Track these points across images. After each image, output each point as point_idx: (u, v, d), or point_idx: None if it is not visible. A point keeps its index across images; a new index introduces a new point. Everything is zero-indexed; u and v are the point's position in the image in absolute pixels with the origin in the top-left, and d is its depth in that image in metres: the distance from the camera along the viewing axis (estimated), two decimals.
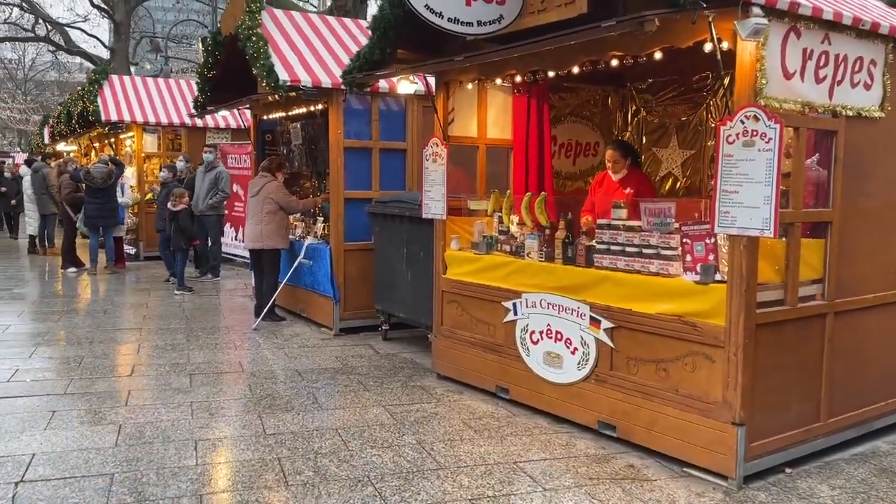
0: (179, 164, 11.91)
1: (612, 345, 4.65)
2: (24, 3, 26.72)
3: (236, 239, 13.38)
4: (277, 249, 8.51)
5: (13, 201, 17.69)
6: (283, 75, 7.40)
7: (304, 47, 8.08)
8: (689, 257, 4.25)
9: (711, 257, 4.13)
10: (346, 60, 7.95)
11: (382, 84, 7.76)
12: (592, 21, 4.20)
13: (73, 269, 12.27)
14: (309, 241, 8.36)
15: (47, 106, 30.97)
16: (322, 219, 9.03)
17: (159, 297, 10.09)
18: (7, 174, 18.22)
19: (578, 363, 4.86)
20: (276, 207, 8.41)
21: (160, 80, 15.70)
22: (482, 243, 5.81)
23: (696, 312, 4.15)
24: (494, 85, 6.35)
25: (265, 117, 9.82)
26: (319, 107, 8.42)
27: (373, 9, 17.55)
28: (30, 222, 14.94)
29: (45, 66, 49.86)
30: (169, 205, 10.11)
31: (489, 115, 6.41)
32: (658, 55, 4.48)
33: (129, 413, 5.09)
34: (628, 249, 4.61)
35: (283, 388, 5.79)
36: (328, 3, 17.11)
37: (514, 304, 5.37)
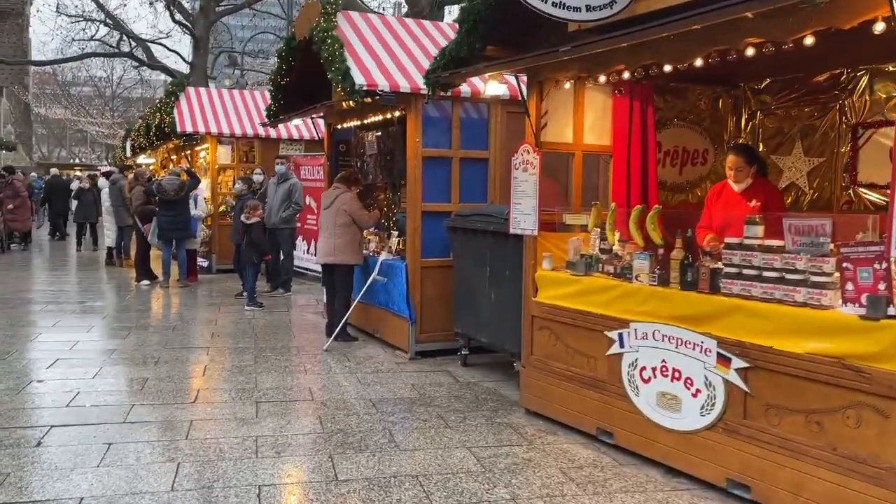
0: (257, 177, 11.64)
1: (745, 388, 3.88)
2: (108, 20, 27.53)
3: (308, 252, 13.06)
4: (351, 265, 8.03)
5: (87, 213, 17.93)
6: (359, 79, 6.91)
7: (382, 50, 7.59)
8: (850, 286, 3.46)
9: (883, 287, 3.34)
10: (425, 64, 7.42)
11: (464, 88, 7.18)
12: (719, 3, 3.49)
13: (146, 282, 12.15)
14: (383, 256, 7.83)
15: (132, 121, 31.90)
16: (397, 233, 8.53)
17: (229, 312, 9.76)
18: (84, 185, 18.50)
19: (702, 408, 4.11)
20: (349, 220, 7.94)
21: (234, 92, 15.62)
22: (580, 263, 5.12)
23: (863, 355, 3.35)
24: (592, 85, 5.67)
25: (339, 126, 9.39)
26: (396, 114, 7.91)
27: (453, 14, 16.96)
28: (108, 234, 15.04)
29: (132, 84, 51.86)
30: (242, 217, 9.79)
31: (586, 118, 5.73)
32: (765, 49, 3.72)
33: (190, 448, 4.61)
34: (766, 274, 3.85)
35: (356, 422, 5.23)
36: (403, 10, 16.80)
37: (620, 335, 4.66)
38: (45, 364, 6.74)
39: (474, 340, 6.84)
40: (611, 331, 4.73)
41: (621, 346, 4.66)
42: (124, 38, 28.85)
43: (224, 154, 14.21)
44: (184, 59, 29.53)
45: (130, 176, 15.20)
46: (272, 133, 14.30)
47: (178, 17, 27.41)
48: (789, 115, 6.03)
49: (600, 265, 5.07)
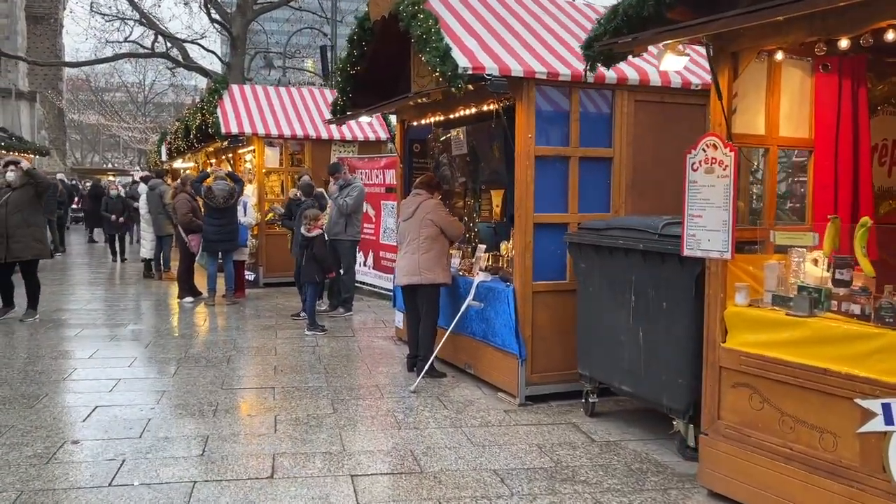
0: (304, 179, 10.32)
1: None
2: (143, 20, 26.64)
3: (364, 265, 11.79)
4: (438, 285, 6.72)
5: (120, 219, 16.75)
6: (462, 61, 5.58)
7: (481, 27, 6.26)
8: None
9: None
10: (533, 43, 6.11)
11: (566, 72, 5.83)
12: None
13: (189, 299, 10.97)
14: (480, 277, 6.49)
15: (164, 126, 31.05)
16: (484, 247, 7.20)
17: (288, 338, 8.49)
18: (113, 191, 17.39)
19: None
20: (437, 231, 6.64)
21: (281, 90, 14.42)
22: (801, 299, 3.73)
23: None
24: (790, 60, 4.28)
25: (415, 123, 8.09)
26: (492, 106, 6.58)
27: None
28: (144, 244, 13.90)
29: (164, 89, 51.32)
30: (303, 229, 8.52)
31: (782, 104, 4.34)
32: None
33: None
34: None
35: None
36: None
37: (888, 407, 3.26)
38: (82, 415, 5.52)
39: (607, 385, 5.46)
40: (867, 399, 3.33)
41: (889, 421, 3.27)
42: (159, 39, 27.95)
43: (272, 157, 13.00)
44: (220, 59, 28.52)
45: (173, 181, 14.09)
46: (323, 134, 13.08)
47: (214, 15, 26.40)
48: None
49: (834, 302, 3.67)
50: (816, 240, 3.77)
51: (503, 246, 7.14)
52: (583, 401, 5.70)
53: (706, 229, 4.12)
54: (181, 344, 8.15)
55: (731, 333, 4.08)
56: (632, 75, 5.98)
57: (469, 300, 6.45)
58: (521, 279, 5.92)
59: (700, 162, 4.14)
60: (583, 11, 7.15)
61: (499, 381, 6.25)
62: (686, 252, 4.26)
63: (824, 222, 4.20)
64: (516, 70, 5.66)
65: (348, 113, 8.05)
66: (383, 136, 13.55)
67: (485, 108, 6.65)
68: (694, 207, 4.19)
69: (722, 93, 3.96)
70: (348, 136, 13.28)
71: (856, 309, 3.54)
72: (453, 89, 5.55)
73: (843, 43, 3.94)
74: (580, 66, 5.85)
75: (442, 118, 7.43)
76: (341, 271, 9.74)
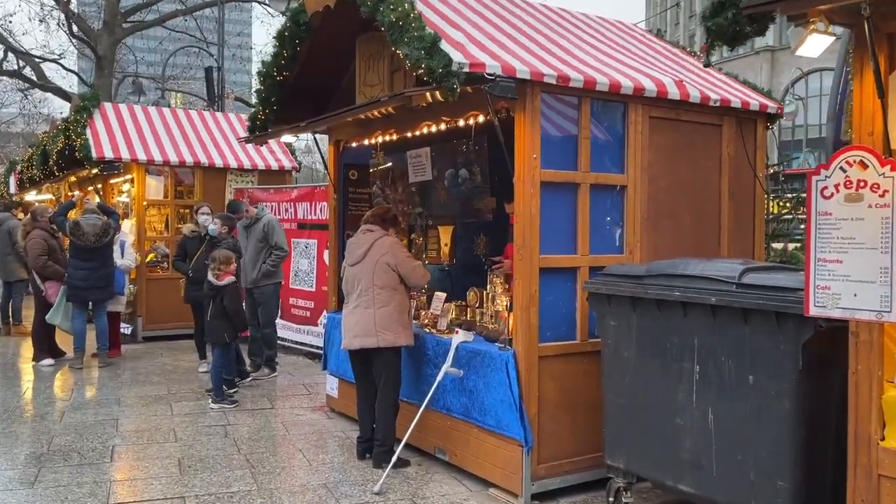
0: (204, 218, 8.46)
1: None
2: None
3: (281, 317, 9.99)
4: (399, 348, 5.23)
5: None
6: (456, 56, 4.23)
7: (463, 21, 4.95)
8: None
9: None
10: (528, 44, 4.88)
11: (600, 79, 4.65)
12: None
13: (48, 362, 8.76)
14: (460, 337, 5.06)
15: (12, 156, 27.43)
16: (444, 295, 5.82)
17: (189, 414, 6.64)
18: None
19: None
20: (396, 278, 5.19)
21: (166, 111, 12.43)
22: None
23: None
24: None
25: (354, 144, 6.61)
26: (470, 121, 5.26)
27: None
28: None
29: (12, 116, 46.27)
30: (210, 276, 6.72)
31: None
32: None
33: None
34: None
35: None
36: None
37: None
38: None
39: (654, 482, 4.17)
40: None
41: None
42: (9, 56, 24.68)
43: (155, 187, 10.99)
44: (83, 81, 25.59)
45: (24, 216, 11.67)
46: (217, 161, 11.25)
47: (77, 31, 23.61)
48: None
49: None
50: None
51: (471, 294, 5.78)
52: (610, 499, 4.37)
53: (849, 280, 2.95)
54: (40, 430, 6.11)
55: (892, 427, 2.90)
56: (648, 85, 4.86)
57: (447, 367, 4.99)
58: (524, 340, 4.55)
59: (837, 186, 2.97)
60: (563, 15, 6.02)
61: (491, 473, 4.80)
62: (814, 311, 3.06)
63: None
64: (521, 70, 4.37)
65: (269, 130, 6.45)
66: (287, 164, 11.90)
67: (461, 122, 5.30)
68: (827, 249, 3.01)
69: (883, 77, 2.81)
70: (247, 165, 11.51)
71: None
72: (447, 93, 4.16)
73: None
74: (588, 71, 4.68)
75: (395, 137, 6.00)
76: (260, 324, 7.97)
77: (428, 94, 4.34)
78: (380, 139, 6.23)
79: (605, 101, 4.81)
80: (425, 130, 5.66)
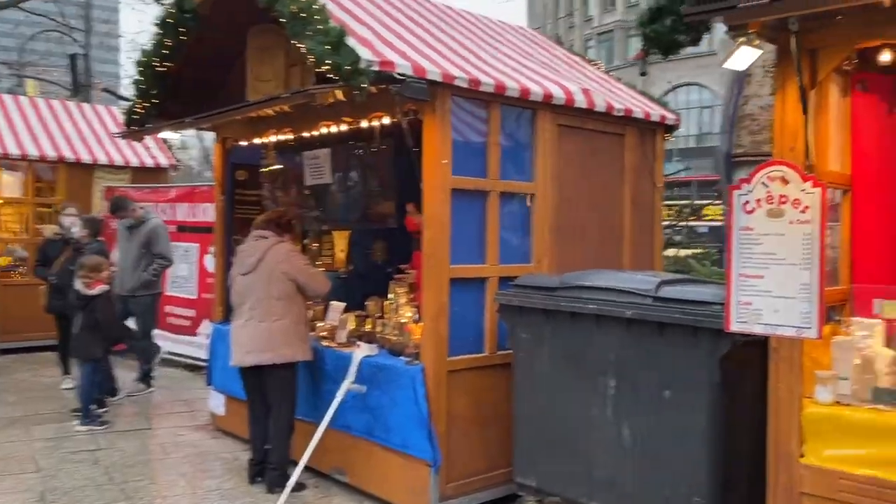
0: (68, 220, 7.68)
1: None
2: None
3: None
4: (295, 363, 4.89)
5: None
6: (364, 53, 3.95)
7: (367, 17, 4.66)
8: None
9: None
10: (437, 45, 4.69)
11: (509, 84, 4.52)
12: None
13: None
14: (363, 351, 4.77)
15: None
16: (343, 304, 5.53)
17: (52, 438, 5.94)
18: None
19: None
20: (293, 289, 4.84)
21: (23, 100, 11.26)
22: None
23: None
24: (835, 77, 3.31)
25: (243, 143, 6.16)
26: (374, 122, 5.00)
27: None
28: None
29: None
30: (78, 285, 6.03)
31: (830, 131, 3.35)
32: None
33: None
34: None
35: None
36: None
37: None
38: None
39: (566, 500, 4.05)
40: None
41: None
42: None
43: (12, 184, 9.91)
44: None
45: None
46: (84, 156, 10.32)
47: None
48: None
49: None
50: None
51: (371, 303, 5.52)
52: None
53: (771, 295, 2.94)
54: None
55: (811, 444, 2.91)
56: (557, 92, 4.78)
57: (349, 383, 4.69)
58: (433, 354, 4.33)
59: (759, 201, 2.96)
60: (467, 17, 5.87)
61: (395, 495, 4.54)
62: (736, 327, 3.04)
63: (870, 283, 3.26)
64: (432, 72, 4.15)
65: (148, 125, 5.89)
66: (164, 161, 11.10)
67: (364, 124, 5.02)
68: (749, 265, 2.99)
69: (808, 98, 2.81)
70: (118, 161, 10.63)
71: None
72: (354, 92, 3.87)
73: (885, 56, 3.07)
74: (497, 75, 4.54)
75: (291, 137, 5.63)
76: (138, 335, 7.30)
77: (335, 92, 4.04)
78: (273, 138, 5.84)
79: (515, 106, 4.68)
80: (324, 131, 5.33)
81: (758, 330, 2.98)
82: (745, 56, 2.84)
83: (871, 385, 2.88)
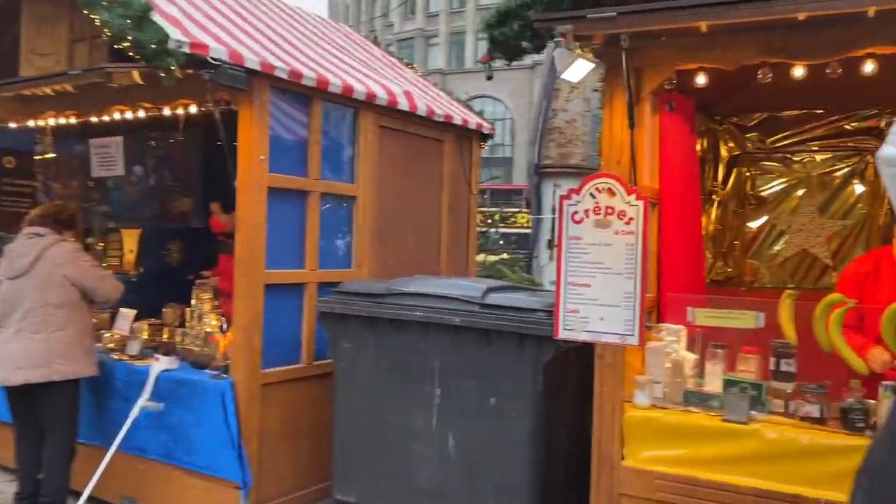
0: None
1: None
2: None
3: None
4: (78, 381, 4.28)
5: None
6: (173, 32, 3.52)
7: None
8: None
9: None
10: (255, 33, 4.36)
11: (332, 80, 4.31)
12: None
13: None
14: (162, 364, 4.28)
15: None
16: (133, 312, 4.98)
17: None
18: None
19: None
20: (76, 295, 4.25)
21: None
22: (737, 398, 2.87)
23: None
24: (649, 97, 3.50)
25: (12, 125, 5.30)
26: (180, 111, 4.52)
27: None
28: None
29: None
30: None
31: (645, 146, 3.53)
32: None
33: None
34: None
35: None
36: None
37: None
38: None
39: None
40: None
41: None
42: None
43: None
44: None
45: None
46: None
47: None
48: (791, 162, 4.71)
49: (777, 401, 2.90)
50: (762, 320, 2.96)
51: (169, 311, 5.02)
52: None
53: (597, 304, 3.02)
54: None
55: (631, 447, 3.03)
56: (380, 93, 4.64)
57: (144, 400, 4.18)
58: (246, 367, 3.99)
59: (587, 212, 3.03)
60: (283, 8, 5.55)
61: None
62: (563, 334, 3.09)
63: (675, 291, 3.51)
64: (250, 60, 3.82)
65: None
66: None
67: (167, 111, 4.52)
68: (577, 273, 3.06)
69: (635, 114, 2.92)
70: None
71: (813, 411, 2.80)
72: (162, 75, 3.44)
73: (701, 79, 3.34)
74: (319, 70, 4.32)
75: (74, 121, 4.94)
76: None
77: (133, 73, 3.56)
78: (52, 121, 5.09)
79: (337, 104, 4.47)
80: (117, 116, 4.73)
81: (584, 337, 3.05)
82: (580, 68, 2.90)
83: (681, 388, 3.07)
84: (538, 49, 2.90)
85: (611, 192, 2.99)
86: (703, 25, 2.72)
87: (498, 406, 3.50)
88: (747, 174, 4.77)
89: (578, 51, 2.76)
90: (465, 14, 41.88)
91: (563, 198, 3.08)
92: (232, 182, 4.00)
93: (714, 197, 4.74)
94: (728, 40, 2.70)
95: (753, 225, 4.72)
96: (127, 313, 4.98)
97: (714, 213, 4.73)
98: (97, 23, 3.57)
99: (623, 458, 3.02)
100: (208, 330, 4.59)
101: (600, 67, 2.98)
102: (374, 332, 3.85)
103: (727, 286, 4.68)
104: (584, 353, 3.55)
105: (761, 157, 4.74)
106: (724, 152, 4.78)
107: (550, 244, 5.94)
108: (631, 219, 2.96)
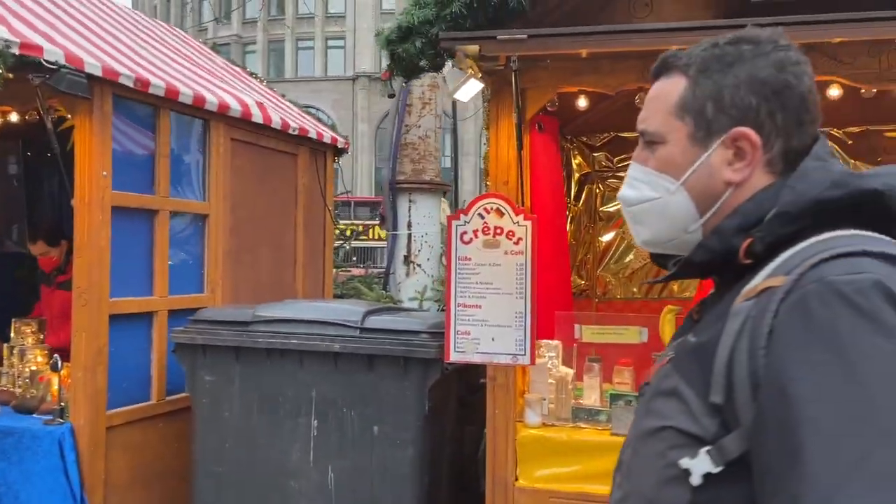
0: None
1: None
2: None
3: None
4: None
5: None
6: (4, 33, 3.02)
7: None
8: None
9: None
10: (92, 38, 3.93)
11: (183, 90, 3.96)
12: None
13: None
14: None
15: None
16: None
17: None
18: None
19: None
20: None
21: None
22: (624, 411, 2.96)
23: None
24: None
25: None
26: (11, 118, 3.93)
27: None
28: None
29: None
30: None
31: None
32: None
33: None
34: None
35: None
36: None
37: None
38: None
39: None
40: None
41: None
42: None
43: None
44: None
45: None
46: None
47: None
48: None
49: None
50: (646, 335, 3.08)
51: None
52: None
53: (487, 324, 3.00)
54: None
55: (524, 467, 3.03)
56: (232, 104, 4.34)
57: None
58: (88, 410, 3.51)
59: (476, 232, 3.01)
60: (113, 8, 5.02)
61: None
62: (455, 356, 3.04)
63: (547, 307, 3.60)
64: (90, 64, 3.38)
65: None
66: None
67: None
68: (467, 294, 3.02)
69: (524, 136, 2.93)
70: None
71: None
72: None
73: (582, 101, 3.48)
74: (167, 78, 3.96)
75: None
76: None
77: None
78: None
79: (185, 115, 4.11)
80: None
81: (476, 359, 3.01)
82: (471, 88, 2.86)
83: (567, 404, 3.12)
84: (437, 68, 2.83)
85: (499, 213, 2.98)
86: (607, 50, 2.79)
87: (381, 434, 3.37)
88: (597, 191, 5.02)
89: (471, 70, 2.73)
90: (283, 22, 40.92)
91: (450, 217, 3.04)
92: (67, 201, 3.53)
93: (567, 213, 4.93)
94: (610, 66, 2.80)
95: (604, 239, 4.97)
96: None
97: (568, 228, 4.92)
98: None
99: (517, 479, 3.01)
100: (34, 368, 4.02)
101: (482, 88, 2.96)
102: (241, 362, 3.56)
103: (581, 298, 4.89)
104: (465, 373, 3.53)
105: (609, 175, 5.01)
106: (575, 170, 4.99)
107: (406, 260, 5.88)
108: (520, 239, 2.97)
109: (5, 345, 4.20)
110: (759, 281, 0.91)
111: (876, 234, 0.90)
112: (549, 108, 3.24)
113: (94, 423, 3.53)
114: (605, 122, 4.69)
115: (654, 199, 1.09)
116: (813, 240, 0.90)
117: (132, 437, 3.75)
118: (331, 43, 39.99)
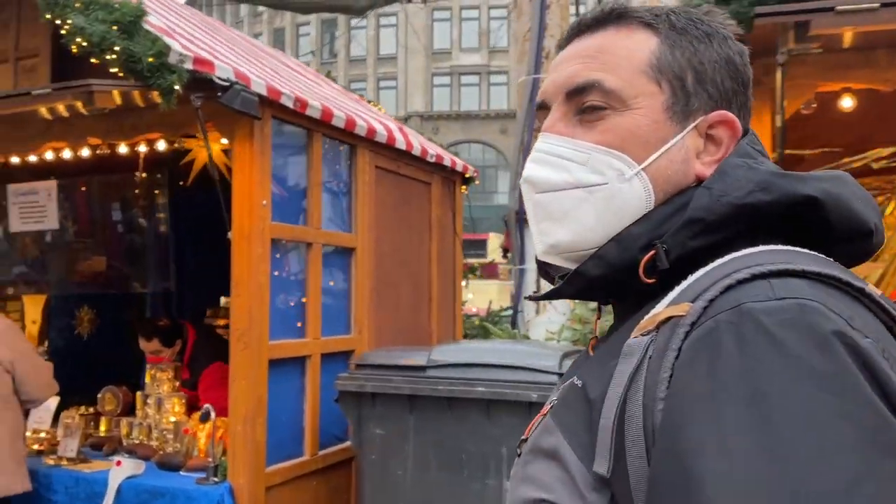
0: None
1: None
2: None
3: None
4: (7, 501, 3.25)
5: None
6: (173, 44, 2.74)
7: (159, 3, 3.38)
8: None
9: None
10: (249, 58, 3.65)
11: (336, 113, 3.64)
12: None
13: None
14: (126, 469, 3.30)
15: None
16: (57, 400, 3.98)
17: None
18: None
19: None
20: (9, 386, 3.29)
21: None
22: None
23: None
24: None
25: None
26: (143, 148, 3.66)
27: None
28: None
29: None
30: None
31: None
32: None
33: None
34: None
35: None
36: None
37: None
38: None
39: None
40: None
41: None
42: None
43: None
44: None
45: None
46: None
47: None
48: None
49: None
50: None
51: (108, 396, 4.06)
52: None
53: None
54: None
55: None
56: (378, 128, 4.01)
57: None
58: (249, 468, 3.13)
59: None
60: (238, 33, 4.79)
61: None
62: None
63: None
64: (256, 83, 3.08)
65: None
66: None
67: (124, 149, 3.63)
68: None
69: None
70: None
71: None
72: (163, 96, 2.63)
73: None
74: (321, 101, 3.64)
75: None
76: None
77: (114, 94, 2.73)
78: None
79: (335, 139, 3.78)
80: (50, 156, 3.76)
81: None
82: None
83: None
84: None
85: None
86: None
87: None
88: None
89: None
90: (335, 64, 41.51)
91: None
92: (225, 234, 3.19)
93: None
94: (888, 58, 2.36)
95: None
96: (49, 403, 3.94)
97: None
98: (65, 30, 2.71)
99: None
100: (174, 419, 3.68)
101: None
102: (415, 414, 3.14)
103: None
104: None
105: None
106: None
107: (532, 297, 5.44)
108: None
109: (139, 393, 3.87)
110: (659, 309, 0.71)
111: (806, 251, 0.71)
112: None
113: (254, 483, 3.14)
114: None
115: (593, 186, 0.79)
116: (728, 257, 0.71)
117: (289, 498, 3.34)
118: (382, 84, 40.37)
